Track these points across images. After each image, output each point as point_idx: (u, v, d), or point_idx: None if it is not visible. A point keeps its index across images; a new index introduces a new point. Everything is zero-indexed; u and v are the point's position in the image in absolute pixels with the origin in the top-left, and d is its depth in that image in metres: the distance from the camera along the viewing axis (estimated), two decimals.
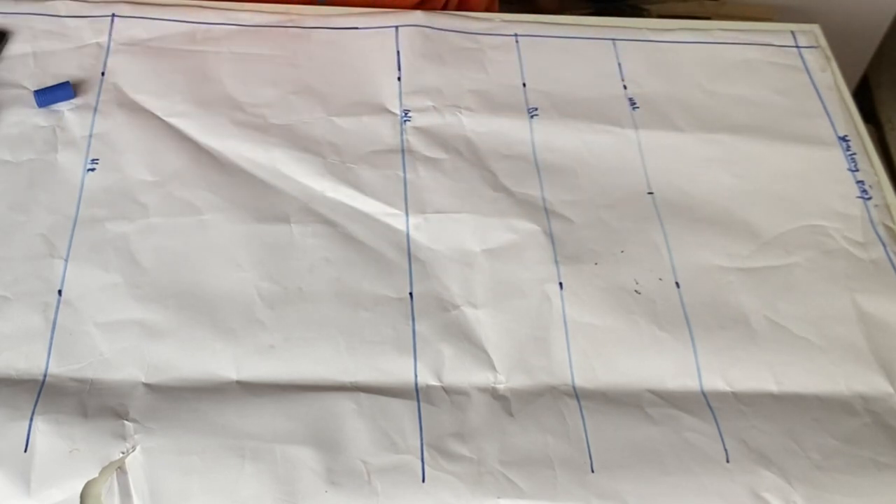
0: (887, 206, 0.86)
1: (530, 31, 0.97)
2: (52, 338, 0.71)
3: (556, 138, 0.88)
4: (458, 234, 0.80)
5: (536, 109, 0.90)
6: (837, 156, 0.89)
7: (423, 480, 0.66)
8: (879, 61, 1.75)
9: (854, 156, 0.89)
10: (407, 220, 0.81)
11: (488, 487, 0.66)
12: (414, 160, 0.85)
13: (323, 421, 0.68)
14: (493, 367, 0.72)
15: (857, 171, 0.88)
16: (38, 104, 0.85)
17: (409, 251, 0.79)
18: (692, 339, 0.75)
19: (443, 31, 0.96)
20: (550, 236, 0.81)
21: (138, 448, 0.65)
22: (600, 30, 0.99)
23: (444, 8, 1.01)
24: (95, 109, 0.86)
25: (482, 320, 0.75)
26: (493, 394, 0.71)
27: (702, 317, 0.76)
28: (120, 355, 0.70)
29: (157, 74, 0.89)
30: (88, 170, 0.81)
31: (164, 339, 0.71)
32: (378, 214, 0.81)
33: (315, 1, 0.97)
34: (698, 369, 0.74)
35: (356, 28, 0.95)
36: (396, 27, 0.95)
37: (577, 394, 0.72)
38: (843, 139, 0.90)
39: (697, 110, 0.92)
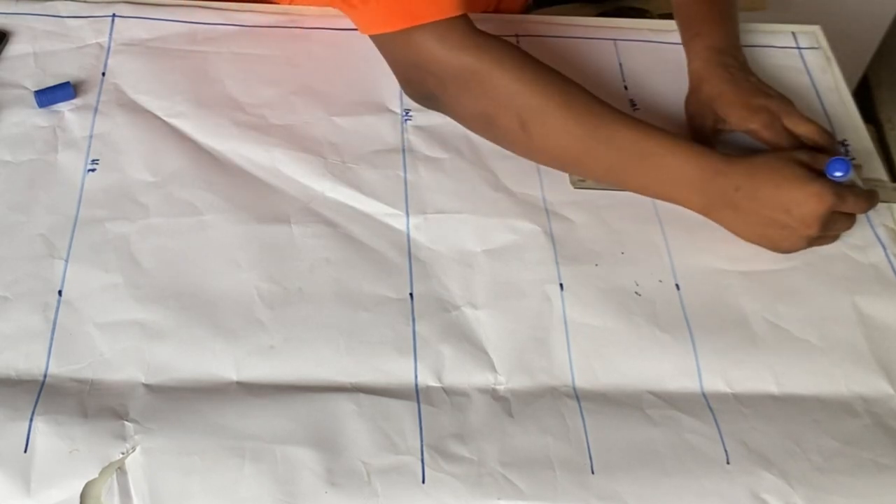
0: (887, 207, 0.86)
1: (531, 31, 0.97)
2: (52, 338, 0.71)
3: None
4: (459, 234, 0.80)
5: None
6: None
7: (423, 481, 0.66)
8: (879, 61, 1.75)
9: (853, 159, 0.89)
10: (407, 221, 0.81)
11: (488, 488, 0.66)
12: (415, 160, 0.85)
13: (323, 422, 0.68)
14: (493, 368, 0.72)
15: None
16: (38, 104, 0.85)
17: (409, 251, 0.79)
18: (692, 340, 0.75)
19: None
20: (551, 237, 0.81)
21: (138, 448, 0.65)
22: (601, 30, 0.99)
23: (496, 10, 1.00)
24: (96, 110, 0.86)
25: (482, 321, 0.75)
26: (494, 395, 0.71)
27: (702, 318, 0.76)
28: (120, 355, 0.70)
29: (157, 74, 0.89)
30: (89, 170, 0.81)
31: (164, 340, 0.71)
32: (378, 214, 0.81)
33: None
34: (699, 370, 0.74)
35: (357, 28, 0.95)
36: None
37: (577, 395, 0.71)
38: (843, 144, 0.90)
39: None
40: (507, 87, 0.79)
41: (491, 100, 0.80)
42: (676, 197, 0.81)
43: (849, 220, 0.80)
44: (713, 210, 0.80)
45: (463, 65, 0.79)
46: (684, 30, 0.94)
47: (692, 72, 0.91)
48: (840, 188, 0.77)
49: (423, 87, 0.83)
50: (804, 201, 0.76)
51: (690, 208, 0.81)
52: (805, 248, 0.80)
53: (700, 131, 0.88)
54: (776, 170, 0.78)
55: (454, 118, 0.85)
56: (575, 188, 0.83)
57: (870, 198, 0.79)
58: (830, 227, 0.78)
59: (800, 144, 0.85)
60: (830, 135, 0.86)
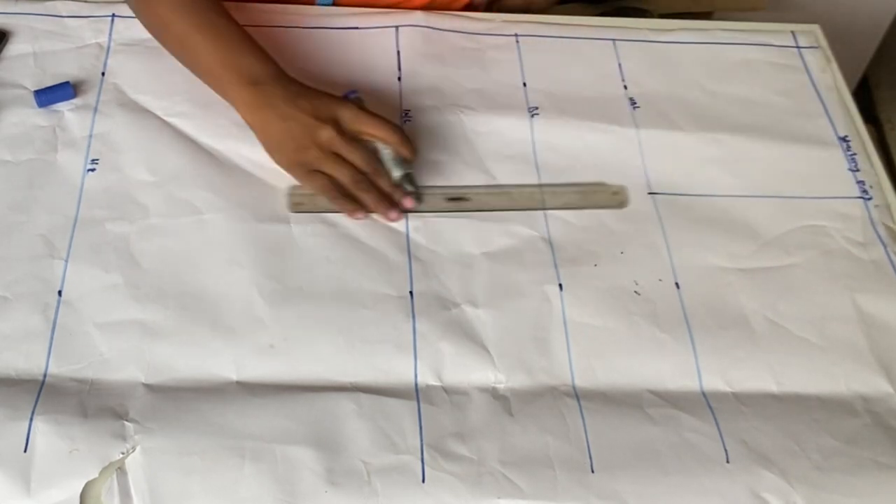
0: (887, 206, 0.86)
1: (531, 31, 0.97)
2: (52, 338, 0.71)
3: (557, 137, 0.88)
4: (458, 236, 0.80)
5: (537, 109, 0.90)
6: (837, 156, 0.89)
7: (423, 481, 0.66)
8: (879, 61, 1.75)
9: (854, 156, 0.89)
10: (407, 222, 0.81)
11: (488, 488, 0.66)
12: None
13: (323, 421, 0.68)
14: (493, 367, 0.72)
15: (858, 171, 0.88)
16: (38, 104, 0.85)
17: (409, 250, 0.79)
18: (692, 339, 0.75)
19: (443, 31, 0.96)
20: (549, 237, 0.81)
21: (138, 448, 0.65)
22: (601, 30, 0.99)
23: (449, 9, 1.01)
24: (95, 109, 0.86)
25: (482, 319, 0.75)
26: (494, 394, 0.71)
27: (702, 317, 0.76)
28: (120, 355, 0.70)
29: (157, 74, 0.89)
30: (88, 170, 0.81)
31: (163, 339, 0.71)
32: (378, 215, 0.81)
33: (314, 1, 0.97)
34: (698, 370, 0.74)
35: (356, 28, 0.95)
36: (397, 27, 0.95)
37: (577, 394, 0.71)
38: (844, 139, 0.90)
39: (697, 110, 0.92)
40: None
41: None
42: (232, 82, 0.81)
43: (345, 166, 0.79)
44: (256, 108, 0.81)
45: None
46: None
47: None
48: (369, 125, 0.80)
49: None
50: (332, 102, 0.81)
51: (239, 101, 0.82)
52: (312, 159, 0.79)
53: None
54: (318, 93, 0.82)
55: None
56: (292, 212, 0.80)
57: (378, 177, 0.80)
58: (350, 147, 0.79)
59: None
60: None
